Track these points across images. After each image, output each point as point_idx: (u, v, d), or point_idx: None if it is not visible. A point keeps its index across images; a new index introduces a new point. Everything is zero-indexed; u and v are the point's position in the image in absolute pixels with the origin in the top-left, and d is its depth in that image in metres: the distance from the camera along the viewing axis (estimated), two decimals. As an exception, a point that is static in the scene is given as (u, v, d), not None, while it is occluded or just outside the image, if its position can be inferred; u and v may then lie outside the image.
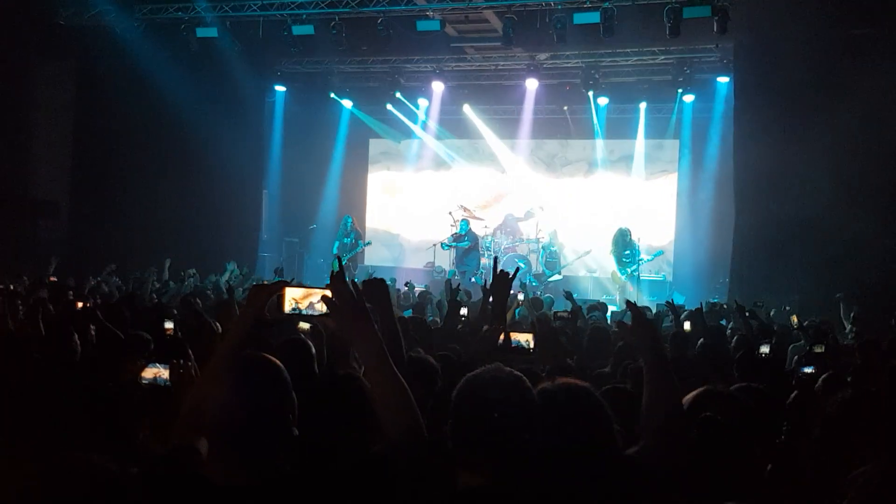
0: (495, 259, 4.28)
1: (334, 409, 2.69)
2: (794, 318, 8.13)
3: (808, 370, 4.84)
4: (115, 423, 2.91)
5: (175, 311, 7.03)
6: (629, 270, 14.80)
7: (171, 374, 3.26)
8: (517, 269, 4.23)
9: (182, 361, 3.24)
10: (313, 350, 3.87)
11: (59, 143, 14.76)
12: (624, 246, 14.73)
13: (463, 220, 16.10)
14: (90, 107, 14.54)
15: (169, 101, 13.76)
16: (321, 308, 2.36)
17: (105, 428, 2.86)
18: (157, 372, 3.35)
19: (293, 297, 2.48)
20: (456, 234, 15.99)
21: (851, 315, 7.98)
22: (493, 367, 2.27)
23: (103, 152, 14.53)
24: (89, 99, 14.55)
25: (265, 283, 3.04)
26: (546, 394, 2.36)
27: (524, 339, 3.52)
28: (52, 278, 10.35)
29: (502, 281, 4.01)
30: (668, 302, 8.25)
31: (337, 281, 2.26)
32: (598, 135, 17.31)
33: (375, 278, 3.53)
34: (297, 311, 2.48)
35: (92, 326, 5.59)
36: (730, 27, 11.58)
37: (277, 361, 2.19)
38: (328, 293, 2.29)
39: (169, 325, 5.84)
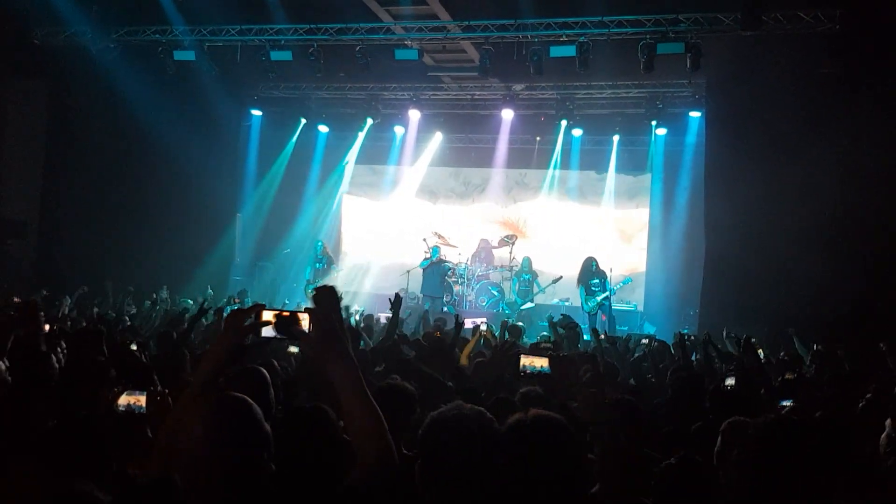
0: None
1: (302, 441, 2.68)
2: (761, 351, 8.18)
3: (787, 403, 4.82)
4: (90, 451, 2.87)
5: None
6: (598, 300, 14.87)
7: (147, 402, 3.23)
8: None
9: (159, 389, 3.21)
10: (268, 378, 3.81)
11: (30, 163, 14.61)
12: (591, 275, 14.83)
13: (434, 246, 16.12)
14: (63, 127, 14.43)
15: (144, 124, 13.68)
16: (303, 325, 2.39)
17: (80, 455, 2.82)
18: (132, 399, 3.31)
19: (269, 320, 2.48)
20: (431, 259, 15.99)
21: (814, 348, 8.07)
22: (456, 405, 2.27)
23: (75, 173, 14.41)
24: (62, 119, 14.44)
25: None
26: (518, 425, 2.38)
27: (539, 364, 3.49)
28: (17, 298, 10.19)
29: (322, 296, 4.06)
30: (679, 334, 8.18)
31: (315, 309, 2.29)
32: (571, 165, 17.49)
33: (324, 286, 3.56)
34: (274, 336, 2.48)
35: (60, 350, 5.52)
36: (702, 64, 11.82)
37: (247, 398, 2.18)
38: (305, 316, 2.31)
39: (135, 347, 5.76)
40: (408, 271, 16.45)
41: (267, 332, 2.44)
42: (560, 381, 3.54)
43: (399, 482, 2.27)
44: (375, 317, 12.50)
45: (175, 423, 2.39)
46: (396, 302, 7.19)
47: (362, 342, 7.61)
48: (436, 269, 15.81)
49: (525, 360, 3.53)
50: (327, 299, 3.38)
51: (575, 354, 6.64)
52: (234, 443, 2.05)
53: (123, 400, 3.35)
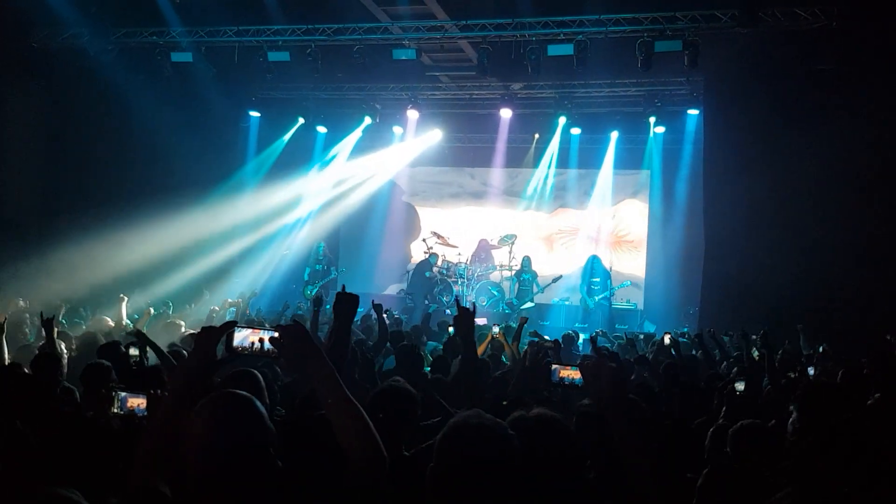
0: (456, 298, 4.30)
1: (301, 443, 2.68)
2: (756, 352, 8.16)
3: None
4: (96, 454, 2.87)
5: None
6: (597, 298, 14.90)
7: (148, 405, 3.24)
8: (473, 308, 4.25)
9: (159, 392, 3.21)
10: (262, 382, 3.80)
11: (29, 167, 14.56)
12: (593, 274, 14.84)
13: (432, 254, 16.16)
14: (62, 130, 14.40)
15: (142, 126, 13.66)
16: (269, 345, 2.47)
17: (85, 459, 2.82)
18: (134, 402, 3.32)
19: (242, 337, 2.56)
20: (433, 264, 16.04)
21: (821, 349, 8.06)
22: (475, 414, 2.26)
23: (74, 176, 14.37)
24: (61, 122, 14.40)
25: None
26: (518, 422, 2.39)
27: (576, 375, 3.49)
28: (22, 302, 10.20)
29: (465, 317, 4.05)
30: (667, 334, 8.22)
31: (285, 326, 2.34)
32: (570, 163, 17.49)
33: (349, 293, 3.57)
34: (246, 350, 2.53)
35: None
36: (700, 61, 11.81)
37: (250, 395, 2.18)
38: (276, 335, 2.36)
39: (134, 351, 5.76)
40: (408, 271, 16.46)
41: (239, 340, 2.51)
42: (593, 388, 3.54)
43: (393, 480, 2.26)
44: (374, 317, 12.49)
45: (154, 434, 2.39)
46: (378, 309, 7.58)
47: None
48: (422, 267, 15.90)
49: (561, 373, 3.53)
50: (347, 304, 3.44)
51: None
52: (238, 436, 2.06)
53: (127, 403, 3.36)
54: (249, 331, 2.56)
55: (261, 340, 2.51)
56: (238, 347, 2.54)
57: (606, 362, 2.58)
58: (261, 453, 2.08)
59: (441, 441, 2.21)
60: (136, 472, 2.35)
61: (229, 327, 2.54)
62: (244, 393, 2.19)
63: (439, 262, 16.14)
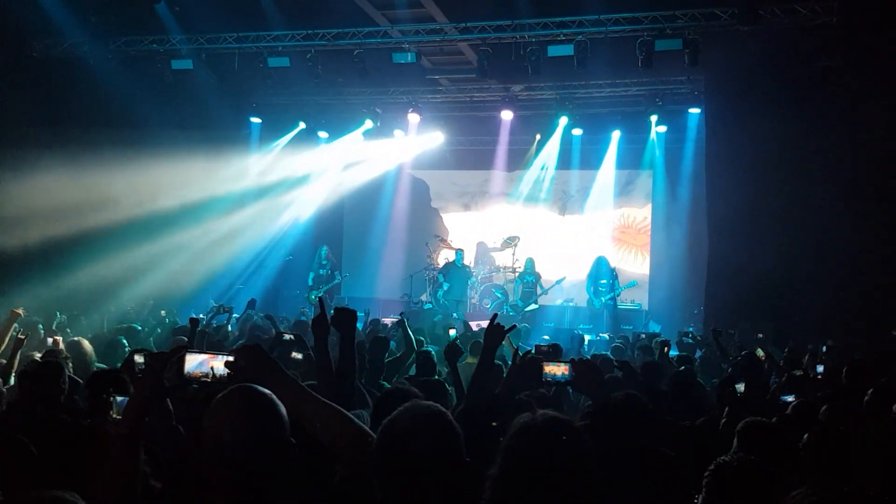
0: (494, 315, 4.22)
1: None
2: (760, 351, 8.13)
3: (789, 398, 4.88)
4: (93, 460, 2.85)
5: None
6: (603, 300, 14.86)
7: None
8: (512, 327, 4.23)
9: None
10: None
11: (29, 176, 14.56)
12: (599, 275, 14.80)
13: (458, 250, 16.10)
14: (63, 140, 14.40)
15: (143, 134, 13.67)
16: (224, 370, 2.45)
17: (83, 465, 2.80)
18: None
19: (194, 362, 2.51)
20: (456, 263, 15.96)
21: (823, 348, 8.03)
22: (412, 405, 2.20)
23: (75, 185, 14.36)
24: (61, 131, 14.40)
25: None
26: (527, 425, 2.35)
27: (559, 371, 3.55)
28: (23, 311, 10.17)
29: (494, 332, 3.97)
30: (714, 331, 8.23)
31: (238, 350, 2.38)
32: (572, 164, 17.47)
33: (346, 308, 3.59)
34: (197, 378, 2.49)
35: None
36: (700, 60, 11.78)
37: (267, 391, 2.18)
38: (230, 359, 2.37)
39: (139, 359, 5.74)
40: (411, 275, 16.43)
41: (193, 365, 2.45)
42: (582, 384, 3.57)
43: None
44: (382, 321, 12.48)
45: (114, 467, 2.32)
46: (402, 324, 7.64)
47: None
48: (460, 274, 15.75)
49: (546, 369, 3.59)
50: (345, 319, 3.47)
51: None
52: (268, 428, 2.08)
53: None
54: (204, 355, 2.49)
55: (225, 364, 2.45)
56: (196, 373, 2.48)
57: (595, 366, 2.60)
58: (285, 445, 2.10)
59: (380, 433, 2.15)
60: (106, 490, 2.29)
61: (178, 352, 2.49)
62: (263, 388, 2.19)
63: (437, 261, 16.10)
